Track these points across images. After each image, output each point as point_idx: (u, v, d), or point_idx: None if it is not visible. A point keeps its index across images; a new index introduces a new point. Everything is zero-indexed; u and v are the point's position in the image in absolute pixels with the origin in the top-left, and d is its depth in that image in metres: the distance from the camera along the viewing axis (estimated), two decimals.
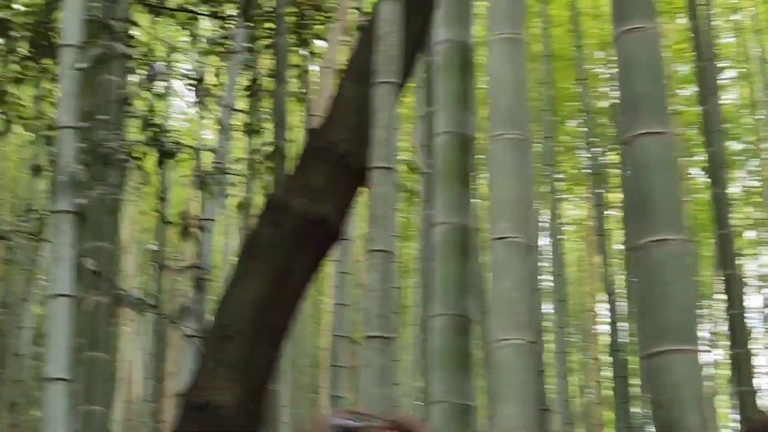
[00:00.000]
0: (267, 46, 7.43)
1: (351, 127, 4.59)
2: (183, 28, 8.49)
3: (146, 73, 5.07)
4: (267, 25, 7.37)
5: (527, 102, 3.59)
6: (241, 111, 6.00)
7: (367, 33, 4.80)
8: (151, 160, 5.65)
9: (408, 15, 4.48)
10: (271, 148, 5.77)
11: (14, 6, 8.01)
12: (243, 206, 5.42)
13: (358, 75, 4.71)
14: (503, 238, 3.30)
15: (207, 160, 5.55)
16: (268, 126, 6.00)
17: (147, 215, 14.45)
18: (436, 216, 3.78)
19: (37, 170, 7.61)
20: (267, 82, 7.01)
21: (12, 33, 7.96)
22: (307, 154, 4.63)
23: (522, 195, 3.41)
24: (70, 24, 4.69)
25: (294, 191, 4.52)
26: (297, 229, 4.45)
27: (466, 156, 3.79)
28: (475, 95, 3.99)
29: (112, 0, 5.52)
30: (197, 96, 5.00)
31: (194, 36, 8.58)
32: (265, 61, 8.05)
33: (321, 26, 7.51)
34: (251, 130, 7.77)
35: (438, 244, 3.73)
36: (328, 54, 6.62)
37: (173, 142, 4.88)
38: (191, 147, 4.87)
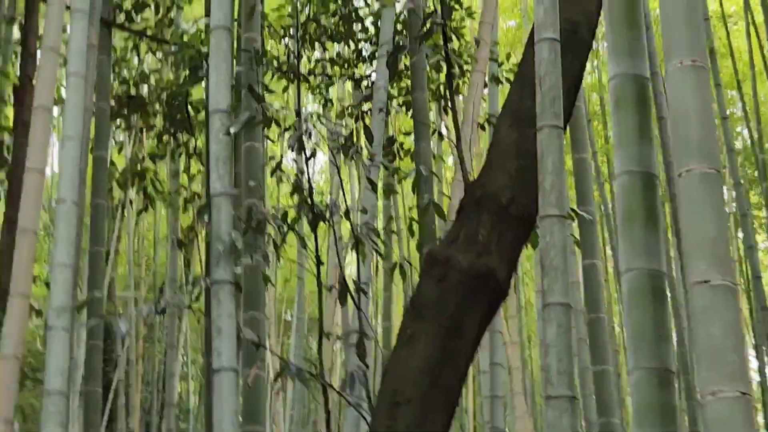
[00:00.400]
0: (404, 103, 7.30)
1: (512, 174, 4.34)
2: (315, 93, 8.46)
3: (290, 136, 4.95)
4: (404, 82, 7.25)
5: (716, 133, 3.32)
6: (387, 168, 5.83)
7: (521, 76, 4.58)
8: (299, 225, 5.52)
9: (563, 56, 4.25)
10: (422, 205, 5.57)
11: (149, 82, 8.09)
12: (399, 266, 5.20)
13: (515, 119, 4.48)
14: (705, 281, 3.02)
15: (356, 220, 5.39)
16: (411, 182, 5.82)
17: (291, 280, 14.43)
18: (621, 262, 3.52)
19: (179, 244, 7.60)
20: (406, 140, 6.89)
21: (148, 109, 8.04)
22: (467, 204, 4.39)
23: (720, 233, 3.13)
24: (217, 90, 4.61)
25: (456, 245, 4.29)
26: (462, 285, 4.19)
27: (651, 195, 3.52)
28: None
29: (254, 66, 5.46)
30: (342, 156, 4.85)
31: (327, 100, 8.54)
32: (403, 118, 7.94)
33: (460, 81, 7.33)
34: (392, 190, 7.64)
35: (626, 292, 3.47)
36: (468, 107, 6.44)
37: (325, 204, 4.71)
38: (345, 208, 4.69)
